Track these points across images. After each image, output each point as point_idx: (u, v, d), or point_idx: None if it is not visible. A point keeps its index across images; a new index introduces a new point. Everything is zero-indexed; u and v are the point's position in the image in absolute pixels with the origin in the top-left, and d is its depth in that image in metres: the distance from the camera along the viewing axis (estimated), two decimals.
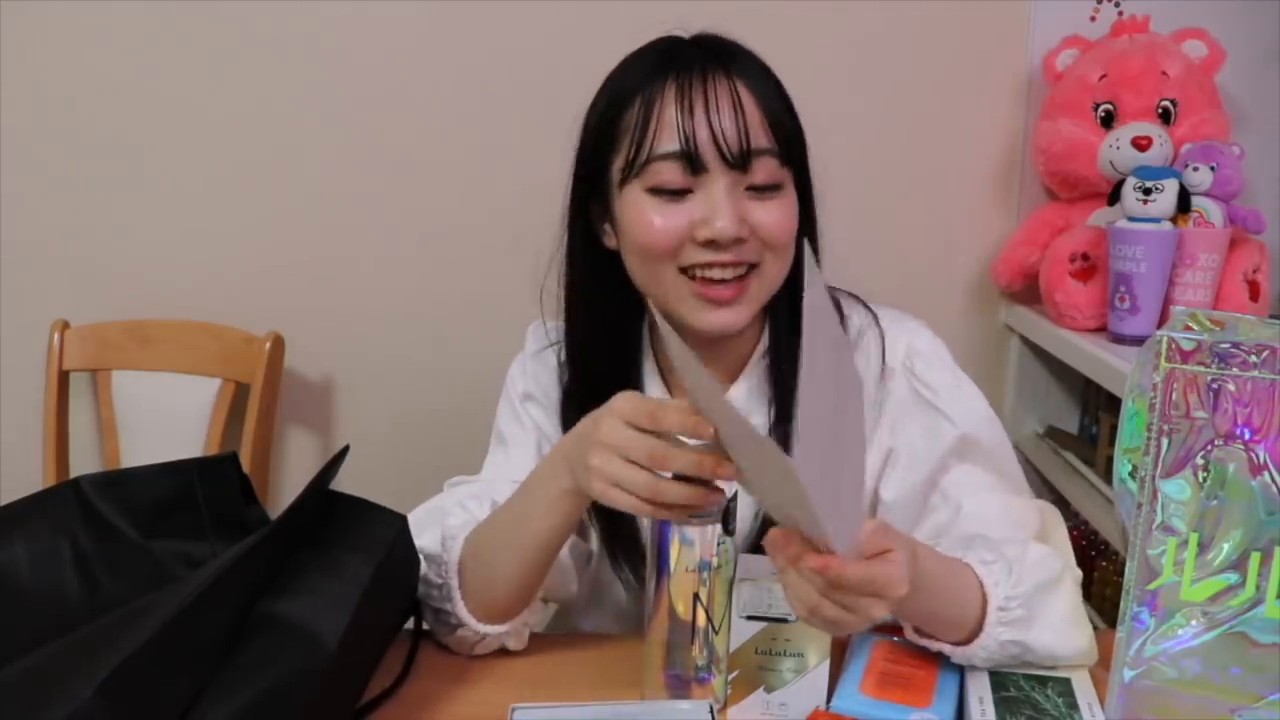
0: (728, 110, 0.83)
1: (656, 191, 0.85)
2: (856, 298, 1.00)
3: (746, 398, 0.95)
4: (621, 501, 0.72)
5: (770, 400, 0.94)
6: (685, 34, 0.92)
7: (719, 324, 0.88)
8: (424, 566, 0.87)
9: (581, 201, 0.92)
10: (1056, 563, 0.82)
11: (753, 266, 0.87)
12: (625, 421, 0.71)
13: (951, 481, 0.92)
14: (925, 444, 0.93)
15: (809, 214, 0.93)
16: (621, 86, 0.88)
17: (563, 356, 1.00)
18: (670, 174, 0.85)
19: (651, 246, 0.86)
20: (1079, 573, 0.87)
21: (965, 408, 0.94)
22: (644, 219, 0.86)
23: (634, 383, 0.97)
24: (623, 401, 0.73)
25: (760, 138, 0.85)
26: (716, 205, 0.84)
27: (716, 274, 0.86)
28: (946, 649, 0.80)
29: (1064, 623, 0.80)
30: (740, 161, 0.84)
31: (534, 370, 1.03)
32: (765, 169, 0.85)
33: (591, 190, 0.91)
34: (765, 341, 0.95)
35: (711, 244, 0.85)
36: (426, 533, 0.88)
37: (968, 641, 0.79)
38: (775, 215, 0.86)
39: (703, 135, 0.83)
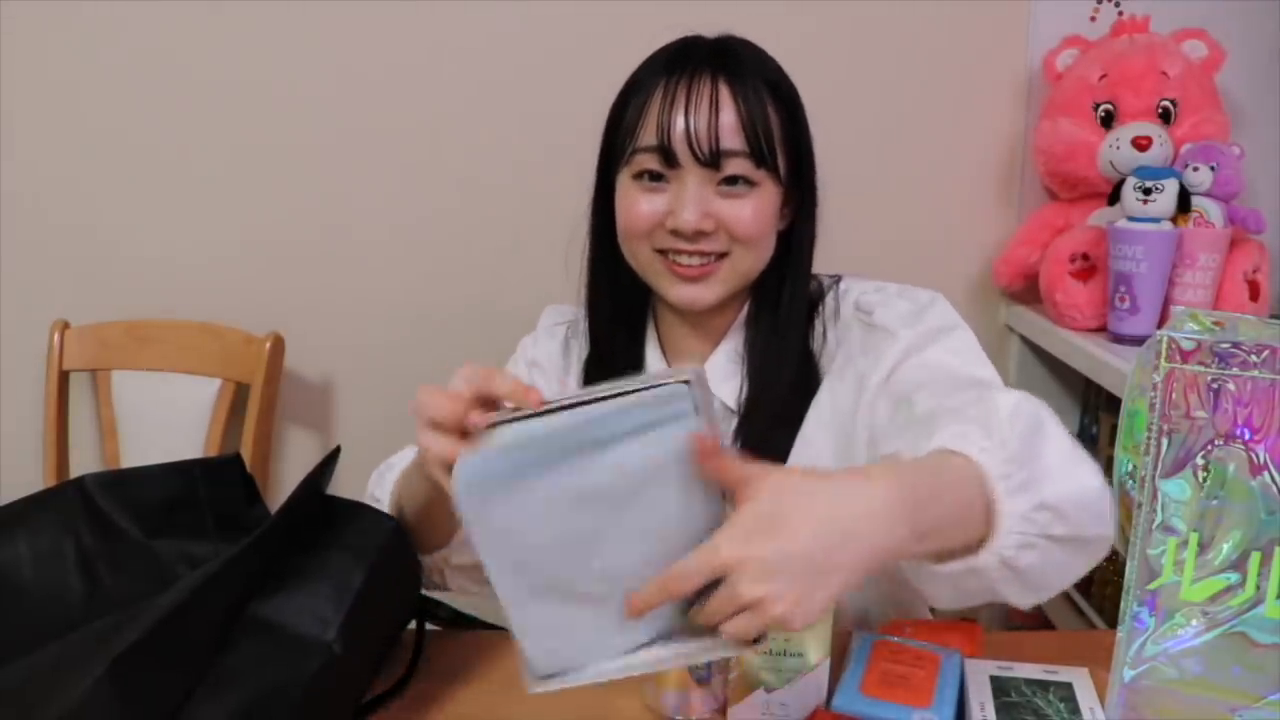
0: (704, 110, 0.89)
1: (639, 177, 0.92)
2: (828, 276, 1.03)
3: (725, 363, 1.00)
4: (429, 457, 0.67)
5: (743, 366, 0.99)
6: (708, 34, 0.96)
7: (688, 298, 0.95)
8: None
9: (602, 187, 0.98)
10: (1029, 404, 0.72)
11: (722, 255, 0.93)
12: (448, 392, 0.66)
13: (900, 386, 0.89)
14: (870, 363, 0.94)
15: (807, 215, 0.97)
16: (632, 85, 0.94)
17: (569, 333, 1.08)
18: (648, 162, 0.91)
19: (629, 228, 0.94)
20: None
21: (901, 314, 0.94)
22: (625, 202, 0.94)
23: (637, 356, 1.04)
24: (456, 377, 0.68)
25: (732, 139, 0.89)
26: (682, 198, 0.90)
27: (684, 260, 0.93)
28: (980, 562, 0.67)
29: (1068, 463, 0.70)
30: (710, 159, 0.89)
31: (543, 340, 1.10)
32: (736, 168, 0.90)
33: (608, 177, 0.98)
34: (745, 312, 1.00)
35: (678, 233, 0.91)
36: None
37: (986, 537, 0.67)
38: (741, 211, 0.91)
39: (678, 131, 0.89)
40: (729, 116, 0.89)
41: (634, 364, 1.03)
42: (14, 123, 1.70)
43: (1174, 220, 1.52)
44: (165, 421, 1.72)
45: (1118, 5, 1.73)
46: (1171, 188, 1.50)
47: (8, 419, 1.78)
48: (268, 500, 0.83)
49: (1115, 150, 1.61)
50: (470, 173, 1.76)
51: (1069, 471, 0.69)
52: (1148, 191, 1.50)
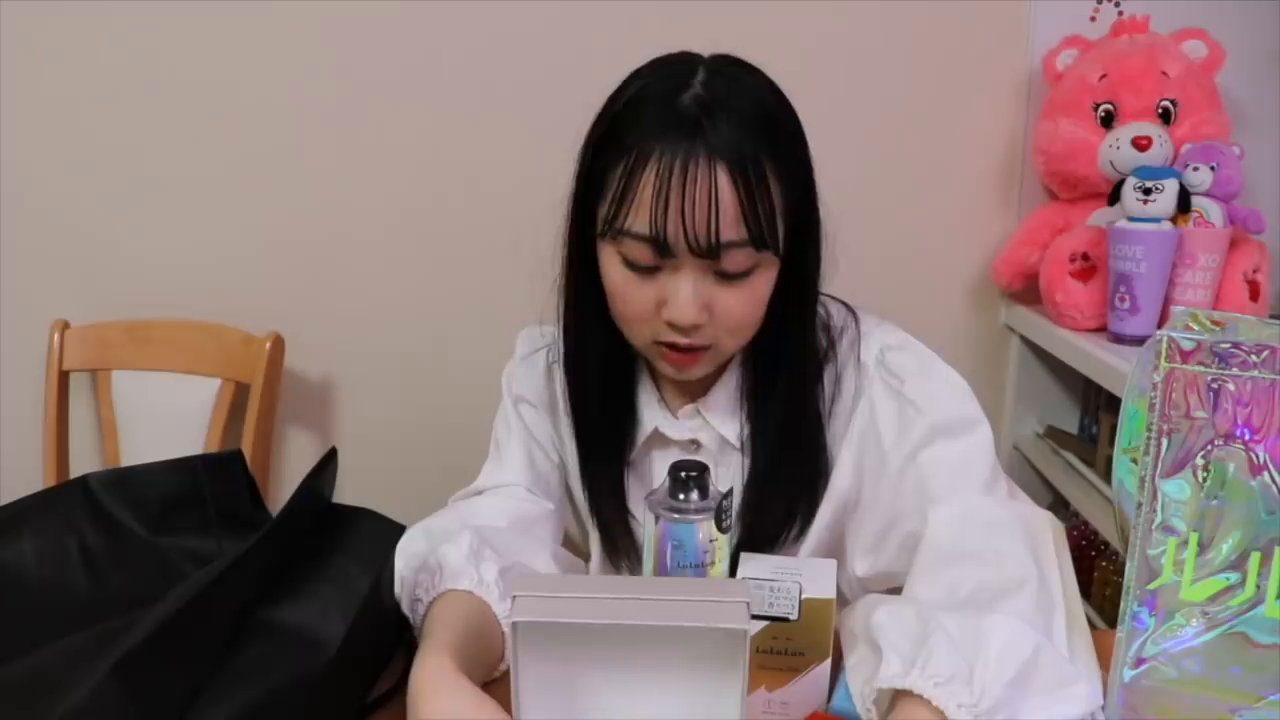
0: (702, 203, 0.82)
1: (628, 263, 0.87)
2: (840, 301, 1.01)
3: (725, 399, 0.97)
4: None
5: (743, 404, 0.97)
6: (701, 55, 0.88)
7: (683, 376, 0.93)
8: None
9: (579, 219, 0.92)
10: (1025, 641, 0.70)
11: (708, 345, 0.89)
12: None
13: (920, 476, 0.89)
14: (893, 435, 0.92)
15: (810, 250, 0.92)
16: (614, 131, 0.86)
17: (550, 358, 1.03)
18: (640, 252, 0.85)
19: (623, 315, 0.90)
20: (1062, 599, 0.77)
21: (933, 394, 0.92)
22: (615, 283, 0.88)
23: (628, 398, 0.99)
24: None
25: (731, 230, 0.83)
26: (679, 292, 0.85)
27: (679, 345, 0.89)
28: None
29: (1051, 693, 0.70)
30: (709, 253, 0.83)
31: (523, 373, 1.05)
32: (736, 258, 0.85)
33: (586, 212, 0.91)
34: (739, 354, 0.97)
35: (673, 325, 0.87)
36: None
37: None
38: (737, 302, 0.87)
39: (673, 227, 0.82)
40: (729, 208, 0.82)
41: (626, 402, 1.00)
42: (14, 123, 1.70)
43: (1174, 220, 1.52)
44: (165, 421, 1.72)
45: (1118, 5, 1.73)
46: (1171, 188, 1.50)
47: (8, 419, 1.78)
48: (267, 501, 0.83)
49: (1115, 150, 1.61)
50: (470, 173, 1.76)
51: (1051, 706, 0.69)
52: (1148, 191, 1.50)
